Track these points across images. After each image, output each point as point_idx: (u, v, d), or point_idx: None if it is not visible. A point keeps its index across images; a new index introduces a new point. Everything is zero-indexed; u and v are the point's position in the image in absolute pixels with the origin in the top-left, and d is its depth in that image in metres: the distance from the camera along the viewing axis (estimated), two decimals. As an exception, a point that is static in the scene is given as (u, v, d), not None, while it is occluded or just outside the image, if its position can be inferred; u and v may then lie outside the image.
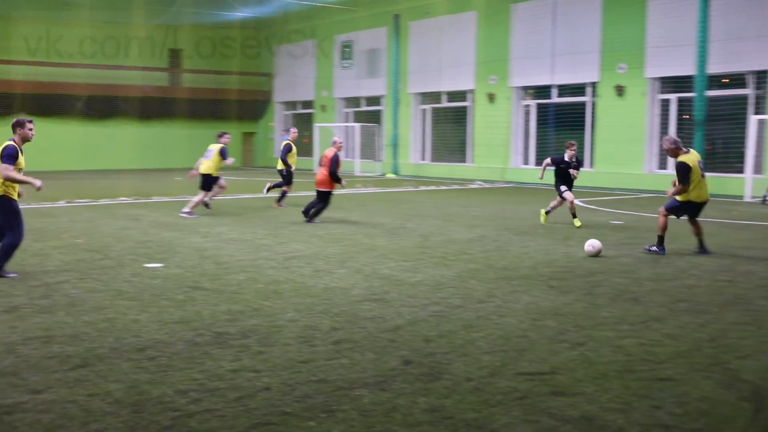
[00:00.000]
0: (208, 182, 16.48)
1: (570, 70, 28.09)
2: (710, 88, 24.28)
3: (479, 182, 29.01)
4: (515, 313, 7.56)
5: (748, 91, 23.86)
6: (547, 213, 15.45)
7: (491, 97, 30.92)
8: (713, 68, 23.80)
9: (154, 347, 6.22)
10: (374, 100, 37.50)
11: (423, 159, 35.06)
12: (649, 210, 17.99)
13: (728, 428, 4.65)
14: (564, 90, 29.09)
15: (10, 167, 8.74)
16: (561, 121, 29.01)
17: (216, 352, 6.11)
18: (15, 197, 9.01)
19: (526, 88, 30.50)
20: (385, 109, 36.25)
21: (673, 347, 6.39)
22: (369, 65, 36.82)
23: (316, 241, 12.55)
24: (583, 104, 28.38)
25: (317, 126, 38.07)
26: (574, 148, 14.95)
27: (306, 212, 15.40)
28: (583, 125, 28.18)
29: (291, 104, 43.15)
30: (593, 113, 27.81)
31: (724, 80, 24.60)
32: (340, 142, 15.64)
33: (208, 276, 9.42)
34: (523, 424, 4.68)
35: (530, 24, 29.35)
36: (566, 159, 14.80)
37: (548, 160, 15.03)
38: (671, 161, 25.62)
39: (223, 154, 16.27)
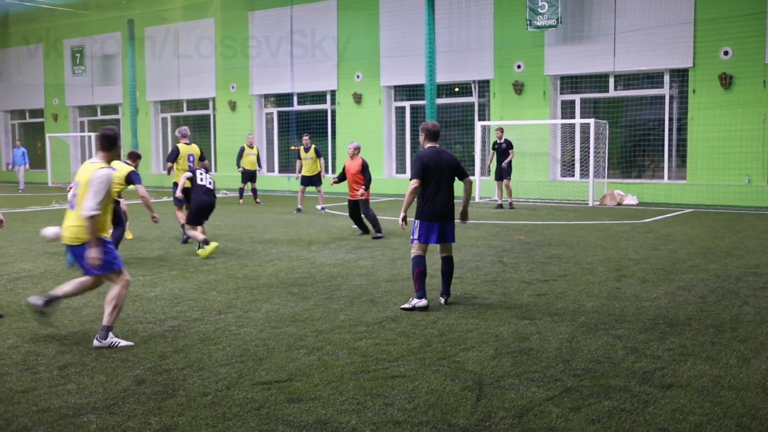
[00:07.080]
0: None
1: (309, 78, 28.57)
2: (440, 96, 25.76)
3: (224, 191, 28.65)
4: (255, 322, 7.52)
5: (473, 99, 25.62)
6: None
7: (233, 105, 30.70)
8: (441, 78, 25.26)
9: None
10: (111, 109, 35.84)
11: (165, 169, 34.06)
12: (388, 213, 18.74)
13: (453, 417, 4.91)
14: (304, 98, 29.55)
15: None
16: (303, 129, 29.45)
17: None
18: None
19: (267, 96, 30.63)
20: (123, 117, 34.78)
21: (406, 345, 6.66)
22: (103, 72, 35.11)
23: (45, 260, 11.73)
24: (324, 112, 29.01)
25: (49, 136, 35.72)
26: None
27: None
28: (326, 132, 28.81)
29: (18, 113, 40.03)
30: (333, 120, 28.50)
31: (456, 89, 26.20)
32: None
33: None
34: (259, 434, 4.64)
35: (268, 32, 29.45)
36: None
37: None
38: (406, 166, 26.89)
39: None
